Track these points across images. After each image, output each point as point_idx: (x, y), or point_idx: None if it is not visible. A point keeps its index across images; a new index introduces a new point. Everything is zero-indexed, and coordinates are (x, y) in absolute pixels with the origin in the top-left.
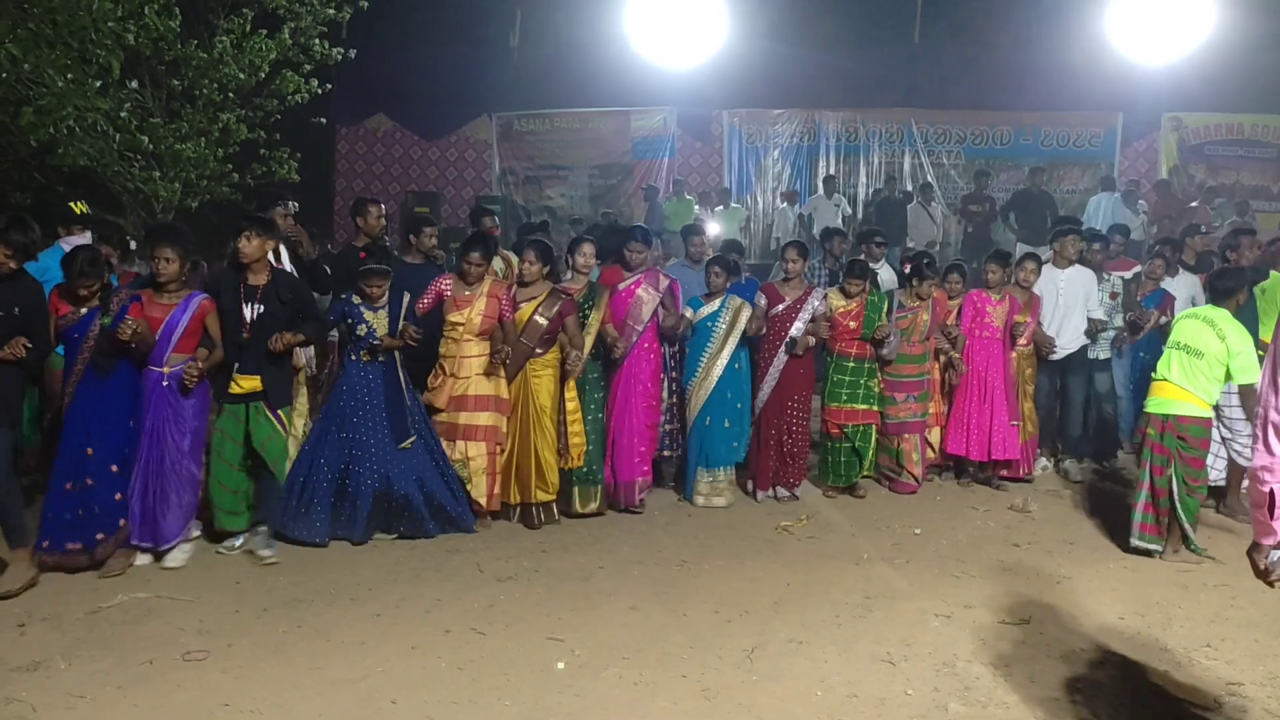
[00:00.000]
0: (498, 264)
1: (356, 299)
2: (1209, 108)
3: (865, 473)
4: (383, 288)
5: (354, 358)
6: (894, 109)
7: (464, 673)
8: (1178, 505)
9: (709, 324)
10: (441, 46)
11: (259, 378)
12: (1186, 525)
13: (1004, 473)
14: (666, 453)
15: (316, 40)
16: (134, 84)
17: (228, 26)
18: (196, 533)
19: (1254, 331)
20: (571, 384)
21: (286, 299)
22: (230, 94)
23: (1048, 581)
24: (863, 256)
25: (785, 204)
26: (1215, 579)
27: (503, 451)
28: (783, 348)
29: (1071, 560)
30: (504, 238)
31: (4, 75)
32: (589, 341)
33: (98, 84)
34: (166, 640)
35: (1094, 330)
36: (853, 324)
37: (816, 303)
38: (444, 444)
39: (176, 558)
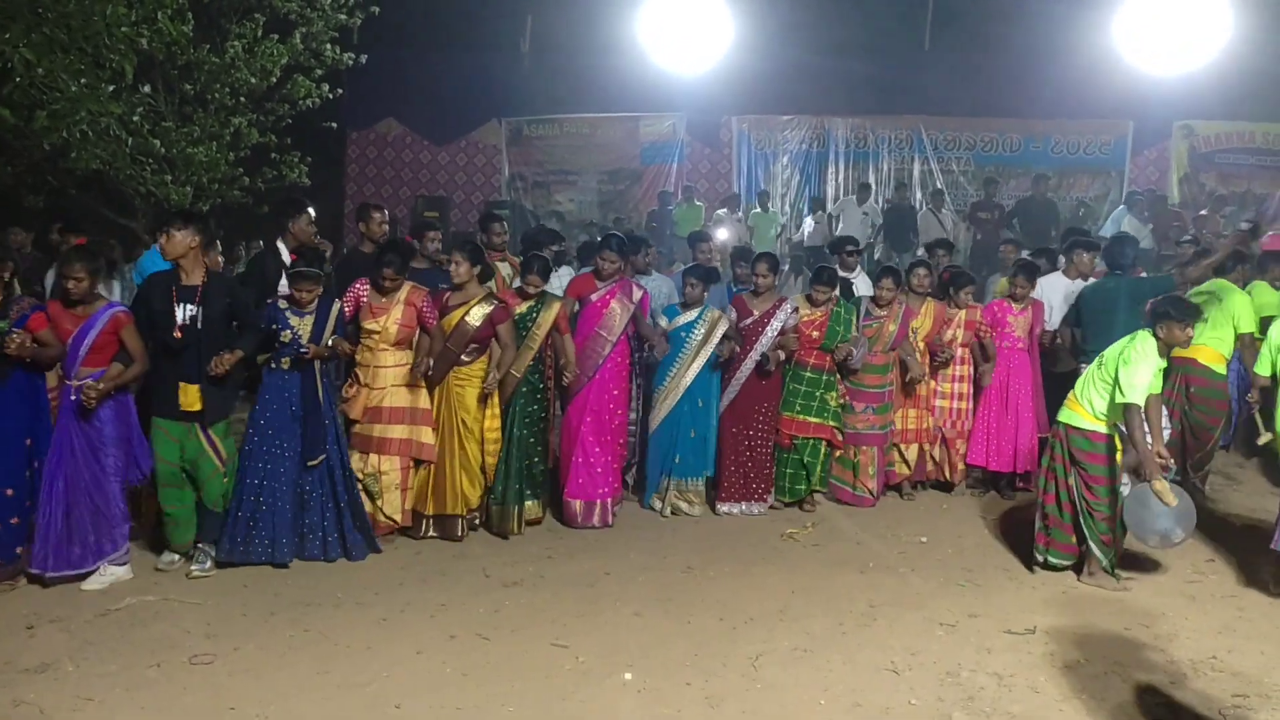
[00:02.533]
0: (505, 270)
1: (284, 304)
2: (1221, 116)
3: (815, 488)
4: (313, 293)
5: (274, 366)
6: (904, 115)
7: (469, 678)
8: (1084, 522)
9: (683, 334)
10: (452, 51)
11: (198, 388)
12: (1092, 544)
13: (1020, 484)
14: (633, 462)
15: (328, 45)
16: (146, 88)
17: (240, 31)
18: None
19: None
20: (495, 403)
21: (223, 301)
22: (242, 98)
23: (1053, 591)
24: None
25: (851, 196)
26: (1223, 591)
27: (418, 466)
28: (748, 362)
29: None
30: (511, 243)
31: (18, 80)
32: (528, 354)
33: (110, 88)
34: (174, 643)
35: None
36: (815, 334)
37: (786, 315)
38: (356, 457)
39: (95, 581)
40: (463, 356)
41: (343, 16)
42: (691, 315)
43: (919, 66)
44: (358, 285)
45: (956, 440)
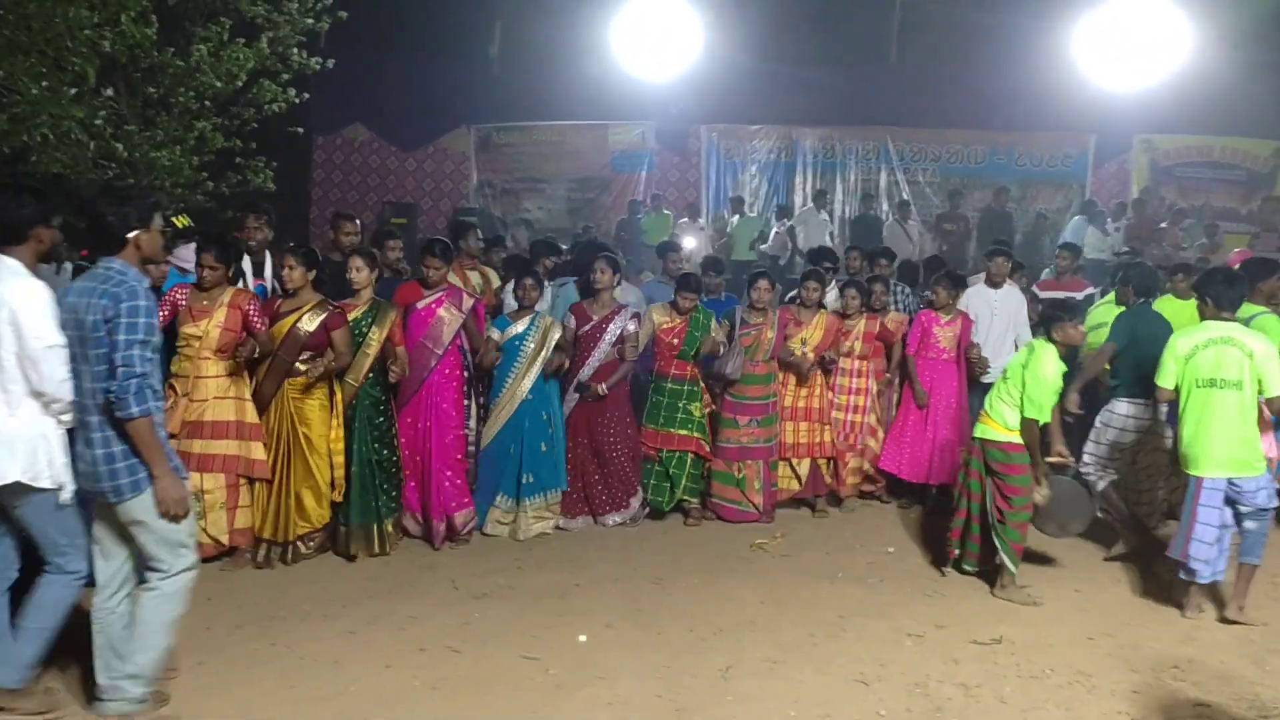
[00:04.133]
0: (476, 280)
1: None
2: (1181, 130)
3: (682, 498)
4: None
5: None
6: (871, 127)
7: (438, 691)
8: (996, 534)
9: (516, 343)
10: (420, 57)
11: None
12: (1004, 555)
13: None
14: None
15: (295, 49)
16: (109, 91)
17: (205, 34)
18: None
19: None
20: (339, 413)
21: None
22: (207, 102)
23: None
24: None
25: (810, 205)
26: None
27: (251, 483)
28: (584, 370)
29: (1042, 580)
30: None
31: None
32: (365, 361)
33: (73, 91)
34: None
35: None
36: (675, 341)
37: (624, 322)
38: None
39: None
40: (298, 365)
41: (310, 21)
42: (523, 324)
43: (886, 79)
44: (176, 289)
45: (847, 454)
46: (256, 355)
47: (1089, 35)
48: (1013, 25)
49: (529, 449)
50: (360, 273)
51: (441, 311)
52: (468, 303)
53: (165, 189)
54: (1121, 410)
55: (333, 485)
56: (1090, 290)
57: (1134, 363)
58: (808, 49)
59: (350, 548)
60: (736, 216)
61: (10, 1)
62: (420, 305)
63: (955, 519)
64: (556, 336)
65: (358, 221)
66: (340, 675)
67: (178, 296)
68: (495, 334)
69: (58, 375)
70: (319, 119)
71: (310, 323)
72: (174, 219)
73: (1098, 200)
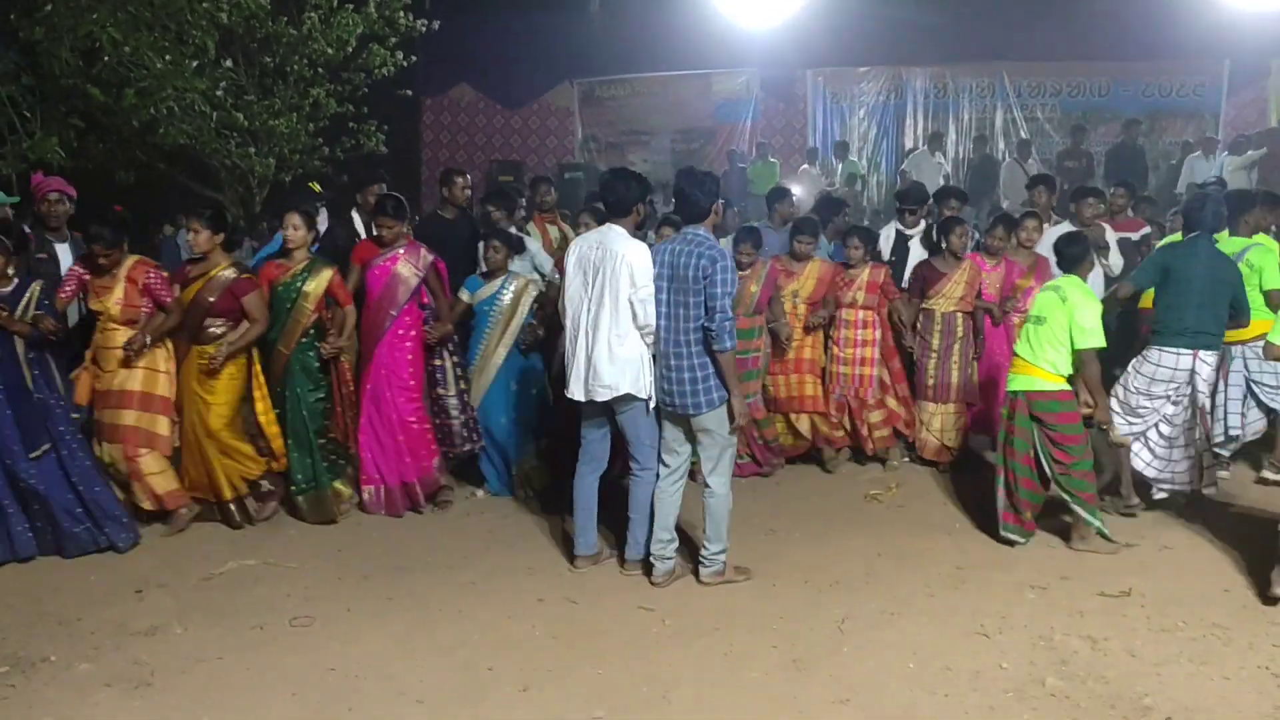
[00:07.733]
0: (554, 234)
1: None
2: None
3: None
4: None
5: None
6: (984, 62)
7: (558, 640)
8: (1062, 488)
9: (487, 307)
10: (522, 14)
11: None
12: (1077, 508)
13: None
14: (468, 447)
15: (401, 13)
16: (228, 63)
17: (316, 2)
18: None
19: None
20: (259, 373)
21: None
22: (319, 69)
23: (1148, 551)
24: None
25: (924, 148)
26: None
27: (149, 453)
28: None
29: (1172, 529)
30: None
31: (106, 59)
32: (296, 329)
33: (194, 64)
34: (274, 606)
35: None
36: None
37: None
38: (95, 445)
39: None
40: (212, 330)
41: None
42: (495, 285)
43: (999, 10)
44: (77, 264)
45: (863, 409)
46: (149, 342)
47: None
48: None
49: (510, 419)
50: (296, 231)
51: (398, 268)
52: (426, 259)
53: (285, 155)
54: (1153, 359)
55: (275, 456)
56: (1146, 230)
57: (1165, 306)
58: None
59: (313, 515)
60: (841, 164)
61: None
62: (377, 262)
63: (997, 479)
64: (532, 296)
65: (468, 176)
66: (464, 625)
67: (80, 272)
68: (465, 296)
69: (652, 314)
70: (426, 81)
71: (214, 289)
72: (310, 185)
73: (1219, 138)
